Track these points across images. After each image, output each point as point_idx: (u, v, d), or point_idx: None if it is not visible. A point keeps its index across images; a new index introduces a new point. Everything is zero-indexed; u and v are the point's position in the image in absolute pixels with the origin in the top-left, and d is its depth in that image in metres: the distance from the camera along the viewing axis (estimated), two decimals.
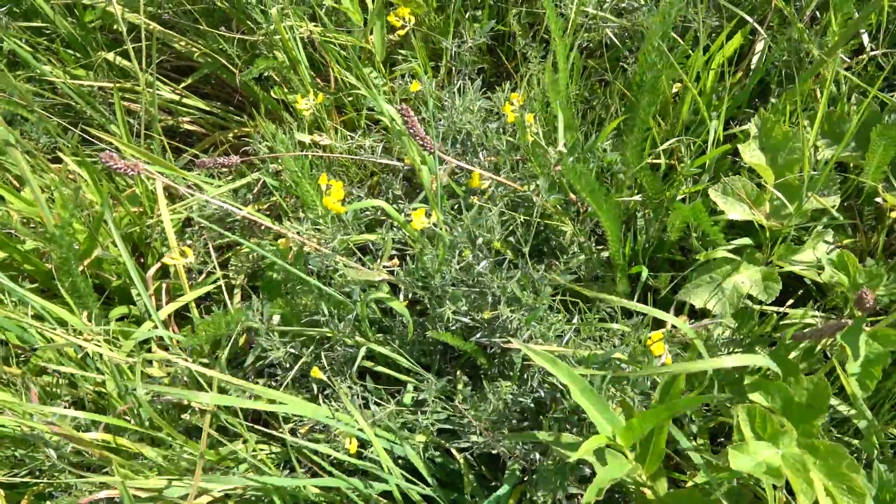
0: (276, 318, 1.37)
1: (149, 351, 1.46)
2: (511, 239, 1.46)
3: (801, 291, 1.65)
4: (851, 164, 1.64)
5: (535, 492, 1.25)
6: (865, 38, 1.70)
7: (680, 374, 1.10)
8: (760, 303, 1.49)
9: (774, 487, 1.17)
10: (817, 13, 1.81)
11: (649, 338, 1.19)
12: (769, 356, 1.20)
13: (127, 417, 1.42)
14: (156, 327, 1.33)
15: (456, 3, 1.87)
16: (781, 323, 1.52)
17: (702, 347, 1.20)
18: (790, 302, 1.64)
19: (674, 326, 1.28)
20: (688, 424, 1.42)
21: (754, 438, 1.09)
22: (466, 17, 1.96)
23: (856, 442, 1.44)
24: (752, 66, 1.76)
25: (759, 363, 1.06)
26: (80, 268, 1.58)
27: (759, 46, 1.76)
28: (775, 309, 1.55)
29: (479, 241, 1.33)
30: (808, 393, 1.18)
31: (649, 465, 1.09)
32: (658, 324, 1.38)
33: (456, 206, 1.53)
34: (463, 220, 1.28)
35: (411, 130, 1.28)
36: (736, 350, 1.37)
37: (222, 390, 1.31)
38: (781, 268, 1.50)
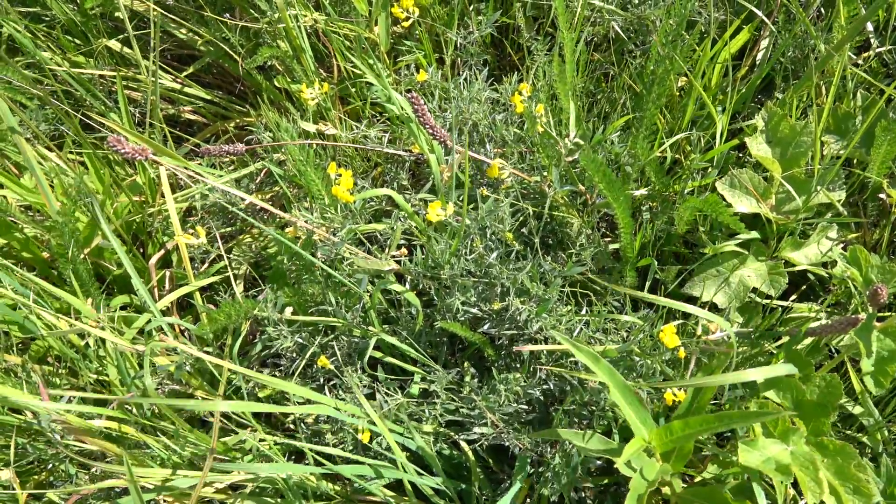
0: (289, 310, 1.36)
1: (153, 339, 1.44)
2: (522, 230, 1.45)
3: (805, 286, 1.66)
4: (855, 160, 1.64)
5: (545, 485, 1.24)
6: (871, 35, 1.71)
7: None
8: (768, 297, 1.50)
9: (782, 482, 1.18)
10: (822, 10, 1.82)
11: (661, 330, 1.19)
12: (783, 351, 1.20)
13: (129, 406, 1.40)
14: (163, 313, 1.31)
15: None
16: (786, 317, 1.53)
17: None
18: (794, 297, 1.64)
19: (685, 319, 1.28)
20: None
21: (764, 435, 1.09)
22: (471, 8, 1.95)
23: (860, 436, 1.44)
24: (758, 62, 1.76)
25: (781, 374, 1.05)
26: (82, 255, 1.56)
27: (765, 43, 1.76)
28: (781, 303, 1.56)
29: (490, 231, 1.33)
30: (820, 390, 1.18)
31: (675, 465, 1.08)
32: (669, 316, 1.38)
33: (461, 197, 1.53)
34: (477, 212, 1.27)
35: (421, 119, 1.27)
36: (744, 344, 1.37)
37: (230, 381, 1.29)
38: (787, 262, 1.51)
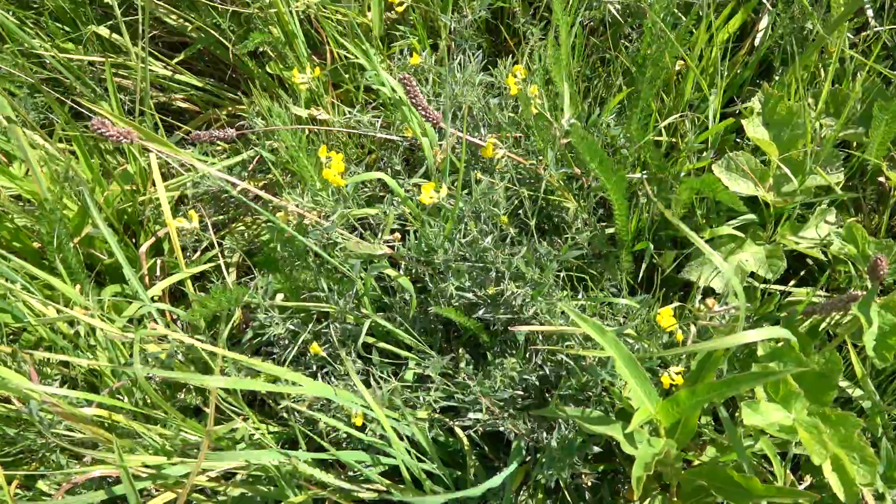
0: (279, 297, 1.34)
1: (144, 327, 1.43)
2: (517, 214, 1.43)
3: (804, 271, 1.64)
4: (855, 143, 1.62)
5: (541, 471, 1.22)
6: (870, 14, 1.69)
7: (718, 351, 1.08)
8: (765, 281, 1.48)
9: (780, 454, 1.17)
10: None
11: (658, 313, 1.17)
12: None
13: (120, 395, 1.38)
14: (153, 300, 1.30)
15: None
16: (785, 301, 1.51)
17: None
18: (793, 282, 1.62)
19: (682, 304, 1.26)
20: None
21: (766, 399, 1.08)
22: None
23: (860, 421, 1.43)
24: (756, 44, 1.74)
25: (781, 336, 1.04)
26: (71, 245, 1.54)
27: (763, 23, 1.74)
28: (779, 287, 1.54)
29: (484, 215, 1.31)
30: (820, 367, 1.17)
31: (679, 441, 1.07)
32: (664, 302, 1.36)
33: (455, 182, 1.51)
34: (471, 194, 1.25)
35: (414, 101, 1.25)
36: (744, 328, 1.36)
37: (221, 371, 1.27)
38: (786, 245, 1.49)
